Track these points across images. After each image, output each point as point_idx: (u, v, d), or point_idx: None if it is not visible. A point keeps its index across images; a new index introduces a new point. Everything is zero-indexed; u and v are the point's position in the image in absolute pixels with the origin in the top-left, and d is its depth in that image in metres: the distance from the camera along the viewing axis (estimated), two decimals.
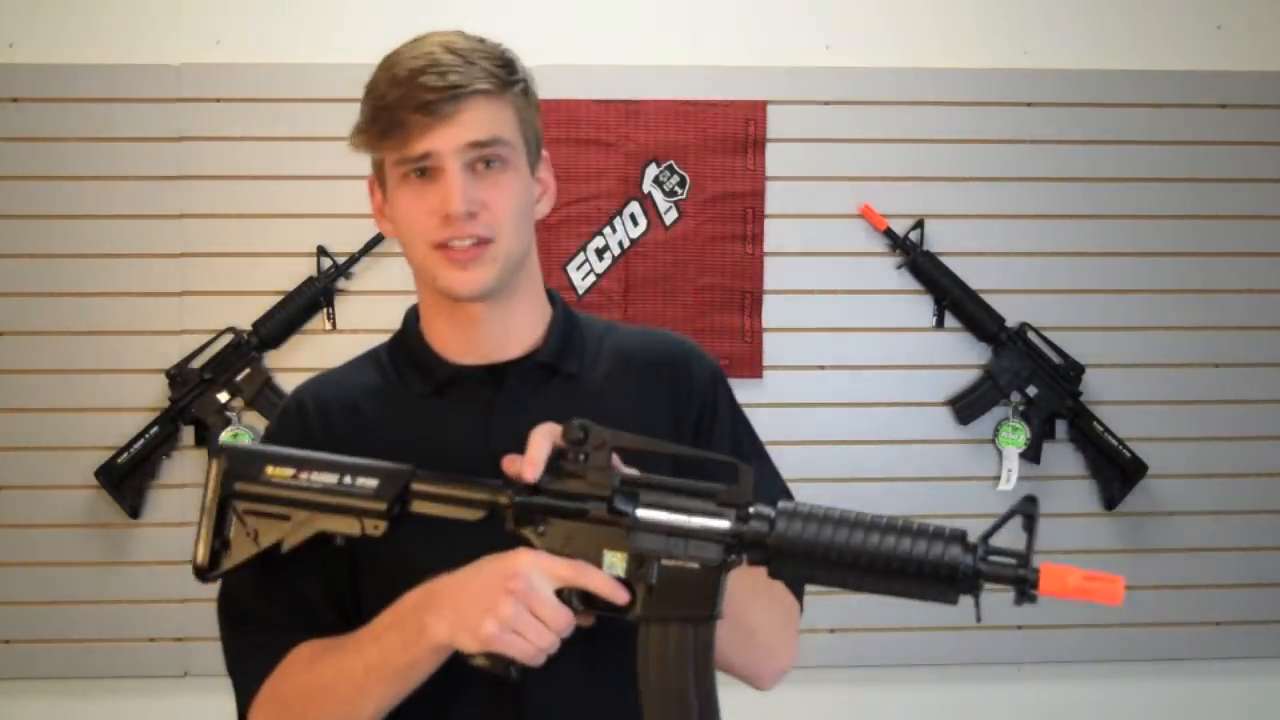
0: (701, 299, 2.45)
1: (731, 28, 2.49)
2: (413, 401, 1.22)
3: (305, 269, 2.40)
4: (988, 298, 2.47)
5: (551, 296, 1.29)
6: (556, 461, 1.05)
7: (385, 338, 1.33)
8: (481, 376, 1.22)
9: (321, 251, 2.39)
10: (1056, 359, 2.47)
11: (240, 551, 1.10)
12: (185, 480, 2.41)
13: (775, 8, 2.49)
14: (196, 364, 2.38)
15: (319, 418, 1.23)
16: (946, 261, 2.46)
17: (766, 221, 2.45)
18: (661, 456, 1.10)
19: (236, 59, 2.40)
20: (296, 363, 2.41)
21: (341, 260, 2.39)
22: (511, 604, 1.00)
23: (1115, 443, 2.47)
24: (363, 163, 2.56)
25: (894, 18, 2.50)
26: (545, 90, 2.59)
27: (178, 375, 2.37)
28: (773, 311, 2.46)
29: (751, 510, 1.01)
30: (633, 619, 1.02)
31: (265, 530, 1.09)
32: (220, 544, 1.11)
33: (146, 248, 2.40)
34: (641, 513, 1.02)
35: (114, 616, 2.41)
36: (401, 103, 1.14)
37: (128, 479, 2.36)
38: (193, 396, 2.37)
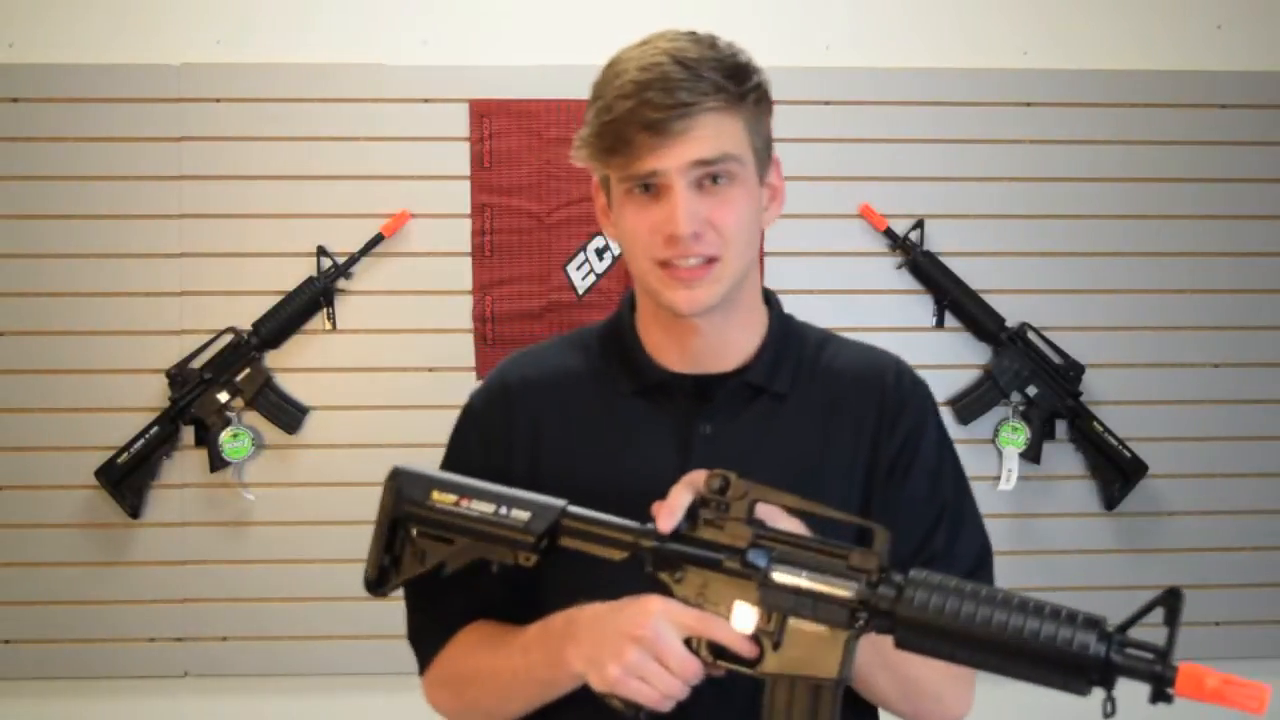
0: None
1: (731, 28, 2.47)
2: (616, 398, 1.23)
3: (305, 269, 2.40)
4: (988, 298, 2.47)
5: (768, 299, 1.27)
6: (698, 509, 1.05)
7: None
8: (689, 388, 1.22)
9: (321, 251, 2.39)
10: (1056, 359, 2.47)
11: (409, 569, 1.15)
12: (185, 480, 2.41)
13: (775, 8, 2.49)
14: (196, 364, 2.38)
15: (522, 399, 1.26)
16: (946, 261, 2.46)
17: None
18: (835, 488, 1.11)
19: (236, 59, 2.40)
20: (296, 363, 2.41)
21: (341, 260, 2.39)
22: (636, 652, 1.01)
23: (1115, 443, 2.46)
24: (362, 163, 2.57)
25: (894, 18, 2.50)
26: (546, 90, 2.58)
27: (178, 375, 2.37)
28: None
29: (882, 577, 0.99)
30: (760, 674, 1.02)
31: (432, 551, 1.13)
32: (390, 561, 1.15)
33: (146, 248, 2.40)
34: (773, 570, 1.02)
35: (114, 616, 2.41)
36: (628, 119, 1.10)
37: (128, 479, 2.36)
38: (193, 396, 2.37)
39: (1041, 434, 2.47)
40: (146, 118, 2.38)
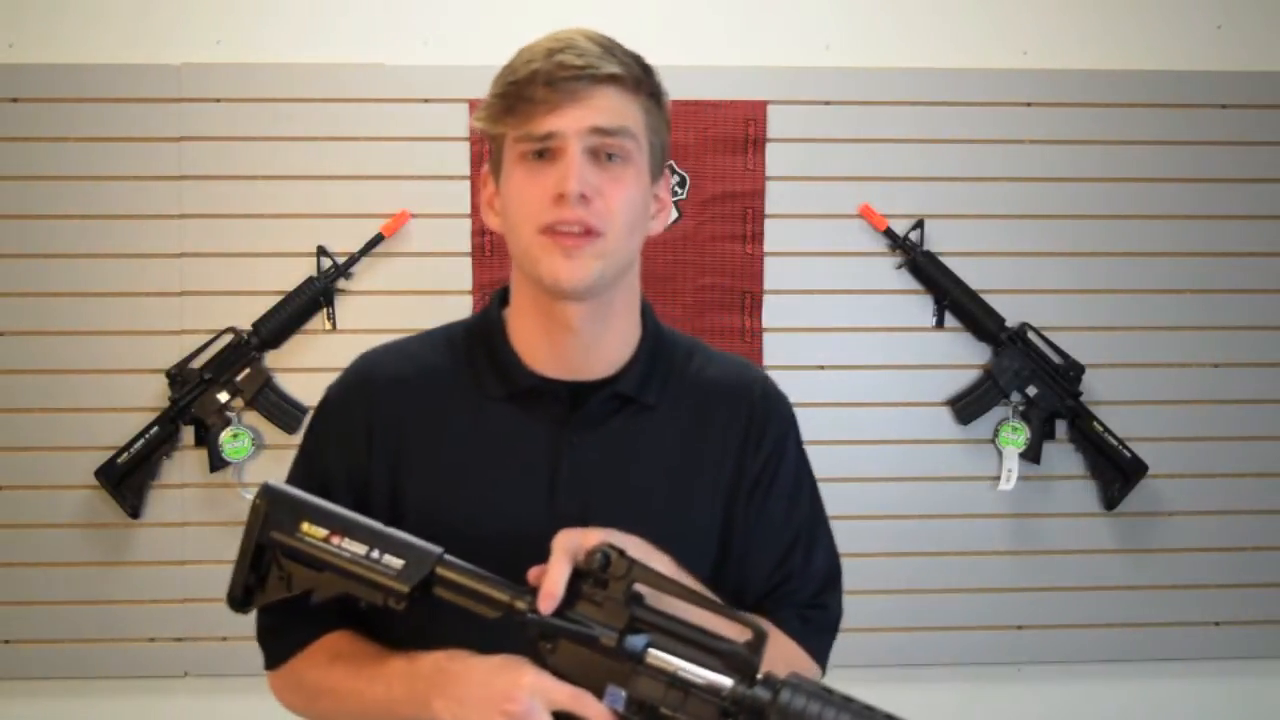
0: (701, 299, 2.45)
1: (731, 28, 2.49)
2: (484, 402, 1.20)
3: (305, 269, 2.40)
4: (988, 298, 2.47)
5: (644, 312, 1.26)
6: (577, 583, 1.03)
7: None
8: (561, 394, 1.19)
9: (321, 251, 2.39)
10: (1056, 359, 2.47)
11: (274, 591, 1.12)
12: (185, 480, 2.41)
13: (775, 8, 2.49)
14: (196, 364, 2.38)
15: (385, 396, 1.21)
16: (946, 261, 2.46)
17: (766, 221, 2.45)
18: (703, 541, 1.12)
19: (236, 59, 2.40)
20: (296, 363, 2.41)
21: (341, 260, 2.39)
22: None
23: (1115, 443, 2.47)
24: (362, 163, 2.58)
25: (894, 18, 2.50)
26: None
27: (178, 375, 2.37)
28: (773, 311, 2.46)
29: (759, 676, 0.99)
30: None
31: (299, 577, 1.10)
32: (255, 580, 1.12)
33: (146, 248, 2.40)
34: (648, 657, 1.01)
35: (114, 616, 2.41)
36: (532, 78, 1.12)
37: (128, 479, 2.36)
38: (193, 396, 2.37)
39: (1041, 434, 2.47)
40: (147, 118, 2.38)
